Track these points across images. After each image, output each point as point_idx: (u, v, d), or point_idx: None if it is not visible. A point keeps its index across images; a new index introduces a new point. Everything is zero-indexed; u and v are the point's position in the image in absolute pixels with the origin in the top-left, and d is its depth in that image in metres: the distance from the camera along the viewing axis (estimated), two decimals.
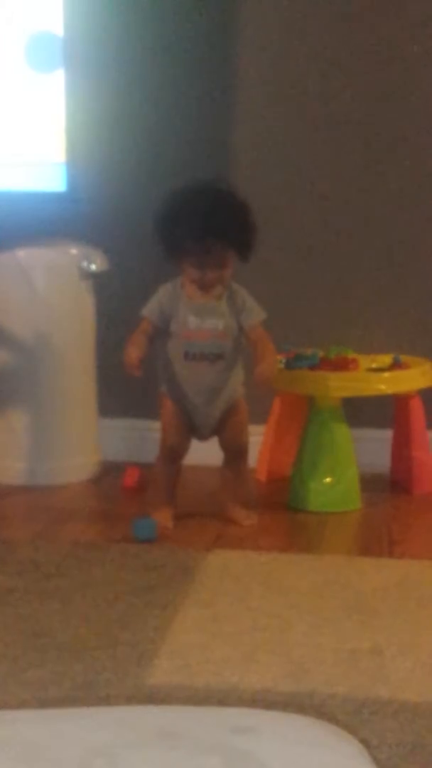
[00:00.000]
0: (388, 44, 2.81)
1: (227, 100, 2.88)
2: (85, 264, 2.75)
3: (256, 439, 2.73)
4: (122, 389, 2.90)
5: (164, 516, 2.38)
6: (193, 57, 2.86)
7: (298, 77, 2.85)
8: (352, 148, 2.86)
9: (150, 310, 2.37)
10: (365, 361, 2.69)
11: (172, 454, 2.42)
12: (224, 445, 2.44)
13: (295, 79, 2.85)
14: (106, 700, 1.50)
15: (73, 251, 2.75)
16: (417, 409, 2.71)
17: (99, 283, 2.81)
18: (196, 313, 2.34)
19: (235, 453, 2.43)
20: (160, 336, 2.37)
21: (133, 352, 2.31)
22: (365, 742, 1.37)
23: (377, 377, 2.58)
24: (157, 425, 2.49)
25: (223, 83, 2.87)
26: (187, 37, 2.86)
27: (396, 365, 2.66)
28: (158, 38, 2.87)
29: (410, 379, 2.62)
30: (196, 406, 2.38)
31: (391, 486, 2.76)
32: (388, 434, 2.80)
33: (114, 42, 2.87)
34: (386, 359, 2.72)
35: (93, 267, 2.75)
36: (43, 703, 1.48)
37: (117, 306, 2.84)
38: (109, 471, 2.85)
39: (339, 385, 2.54)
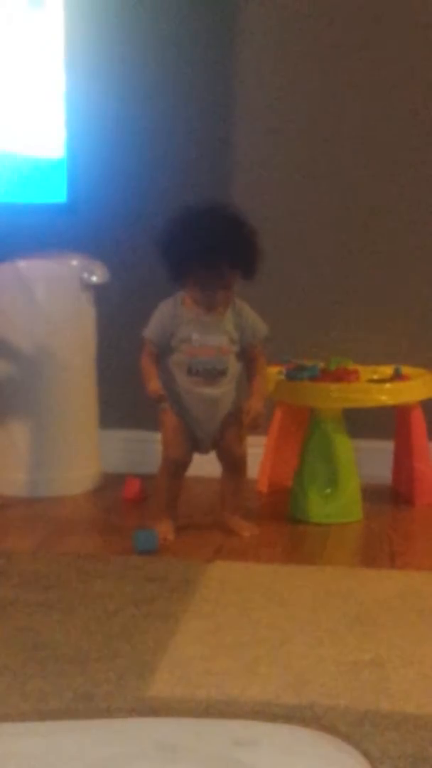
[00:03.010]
0: (391, 46, 2.82)
1: (229, 110, 2.88)
2: (85, 275, 2.75)
3: (257, 450, 2.73)
4: (122, 401, 2.90)
5: (166, 527, 2.38)
6: (195, 66, 2.87)
7: (300, 82, 2.86)
8: (352, 158, 2.86)
9: (152, 331, 2.37)
10: (366, 372, 2.69)
11: (176, 467, 2.41)
12: (221, 455, 2.44)
13: (296, 85, 2.86)
14: (107, 713, 1.49)
15: (74, 263, 2.76)
16: (418, 420, 2.71)
17: (100, 294, 2.81)
18: (200, 329, 2.34)
19: (232, 463, 2.43)
20: (163, 354, 2.38)
21: (154, 384, 2.32)
22: (367, 755, 1.36)
23: (378, 388, 2.58)
24: (157, 437, 2.49)
25: (225, 93, 2.88)
26: (189, 46, 2.87)
27: (397, 376, 2.66)
28: (160, 48, 2.87)
29: (411, 390, 2.62)
30: (199, 421, 2.38)
31: (392, 497, 2.76)
32: (389, 445, 2.79)
33: (116, 53, 2.88)
34: (387, 370, 2.72)
35: (94, 278, 2.76)
36: (44, 715, 1.48)
37: (117, 317, 2.84)
38: (110, 482, 2.85)
39: (340, 397, 2.54)
